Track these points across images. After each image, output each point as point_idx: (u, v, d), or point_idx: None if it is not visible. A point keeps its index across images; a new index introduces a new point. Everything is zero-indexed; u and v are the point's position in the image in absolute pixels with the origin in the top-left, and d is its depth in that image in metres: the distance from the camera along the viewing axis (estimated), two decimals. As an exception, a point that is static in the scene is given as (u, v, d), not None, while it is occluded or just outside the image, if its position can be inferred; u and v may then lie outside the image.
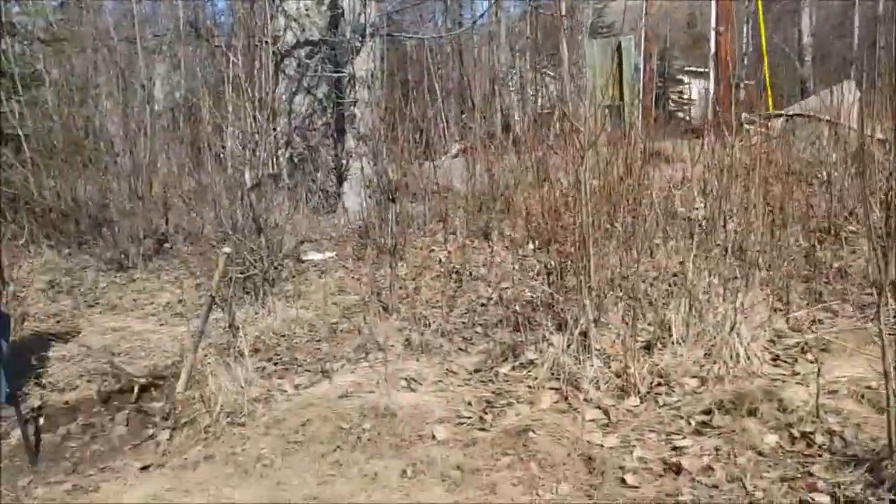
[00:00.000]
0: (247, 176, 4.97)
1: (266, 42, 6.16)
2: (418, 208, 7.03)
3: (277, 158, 10.45)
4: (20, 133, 7.48)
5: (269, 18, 9.53)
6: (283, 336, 4.90)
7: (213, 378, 3.84)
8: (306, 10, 8.98)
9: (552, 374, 3.63)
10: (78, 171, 7.63)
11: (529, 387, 3.63)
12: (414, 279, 5.40)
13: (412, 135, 6.91)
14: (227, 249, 3.89)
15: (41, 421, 4.07)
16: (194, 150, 8.79)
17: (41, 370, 4.70)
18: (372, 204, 7.08)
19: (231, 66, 4.82)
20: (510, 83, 14.55)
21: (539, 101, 12.68)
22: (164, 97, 12.10)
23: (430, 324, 4.57)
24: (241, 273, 5.43)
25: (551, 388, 3.55)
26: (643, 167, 5.04)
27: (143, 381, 4.34)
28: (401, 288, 5.47)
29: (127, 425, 3.91)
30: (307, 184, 9.18)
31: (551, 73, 14.49)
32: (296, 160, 9.47)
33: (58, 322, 5.79)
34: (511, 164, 6.81)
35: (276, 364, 4.41)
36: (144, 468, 3.42)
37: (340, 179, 9.10)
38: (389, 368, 3.85)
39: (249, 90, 4.89)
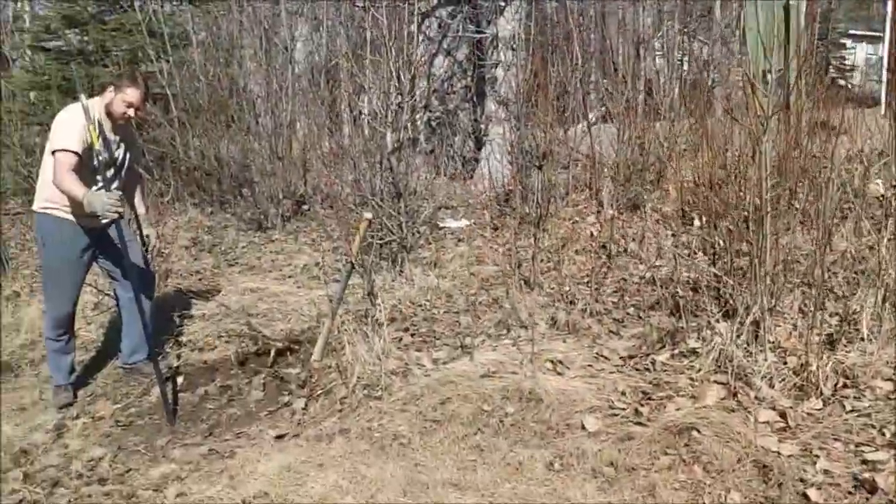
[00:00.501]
0: (388, 139, 4.78)
1: (409, 1, 5.93)
2: (561, 176, 6.68)
3: (415, 122, 10.36)
4: (168, 93, 7.62)
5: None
6: (421, 306, 4.72)
7: (350, 347, 3.69)
8: (449, -32, 8.72)
9: (718, 366, 3.26)
10: (221, 131, 7.73)
11: (692, 379, 3.27)
12: (558, 252, 5.09)
13: (554, 99, 6.56)
14: (368, 215, 3.71)
15: (179, 380, 4.07)
16: (333, 111, 8.77)
17: (181, 328, 4.73)
18: (513, 170, 6.78)
19: (373, 25, 4.62)
20: (656, 47, 13.80)
21: (686, 66, 11.95)
22: (305, 58, 12.18)
23: (576, 302, 4.26)
24: (380, 239, 5.29)
25: (717, 383, 3.18)
26: (821, 139, 4.51)
27: (279, 344, 4.26)
28: (543, 261, 5.19)
29: (263, 390, 3.83)
30: (445, 148, 9.00)
31: (701, 38, 13.64)
32: (433, 124, 9.29)
33: (199, 280, 5.86)
34: (664, 132, 6.34)
35: (413, 335, 4.23)
36: (279, 437, 3.32)
37: (479, 144, 8.85)
38: (534, 348, 3.58)
39: (392, 50, 4.67)
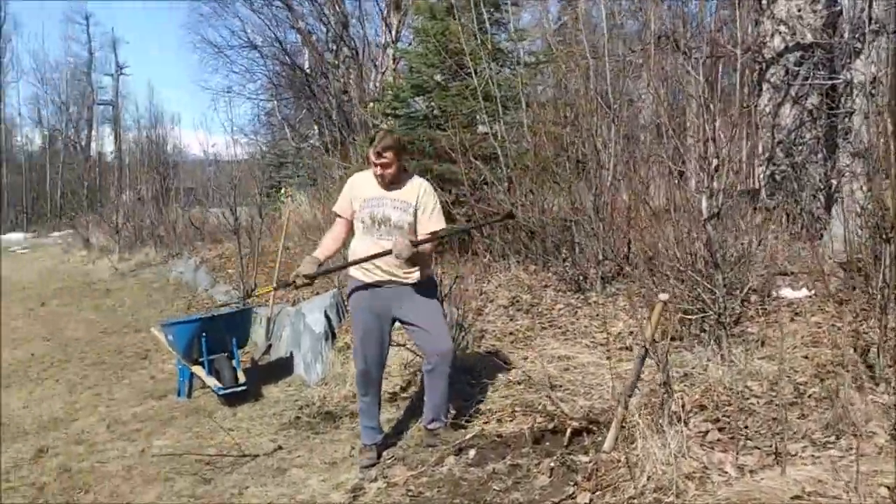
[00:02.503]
0: (703, 205, 4.38)
1: (741, 52, 5.45)
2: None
3: (756, 177, 9.56)
4: (499, 153, 7.88)
5: (755, 24, 8.69)
6: (737, 394, 4.20)
7: (642, 442, 3.37)
8: (798, 10, 7.94)
9: None
10: (549, 189, 7.80)
11: None
12: (914, 340, 4.23)
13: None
14: (663, 296, 3.37)
15: (471, 453, 4.04)
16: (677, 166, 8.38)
17: (484, 396, 4.74)
18: (865, 235, 5.87)
19: (693, 79, 4.28)
20: None
21: None
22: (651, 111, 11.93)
23: (931, 409, 3.48)
24: (695, 313, 4.86)
25: None
26: None
27: (576, 424, 4.05)
28: (894, 347, 4.35)
29: (550, 476, 3.64)
30: (789, 206, 8.15)
31: None
32: (778, 178, 8.49)
33: (511, 342, 5.87)
34: None
35: (721, 430, 3.76)
36: (557, 535, 3.11)
37: (829, 203, 7.87)
38: (863, 468, 2.95)
39: (710, 105, 4.28)
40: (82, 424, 5.94)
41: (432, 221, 4.20)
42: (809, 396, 4.09)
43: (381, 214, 4.13)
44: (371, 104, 10.64)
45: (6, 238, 27.88)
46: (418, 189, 4.20)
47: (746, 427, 3.74)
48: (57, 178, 35.80)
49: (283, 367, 6.69)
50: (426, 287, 4.22)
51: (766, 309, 5.67)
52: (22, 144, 43.01)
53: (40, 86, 44.85)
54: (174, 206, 15.79)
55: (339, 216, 4.31)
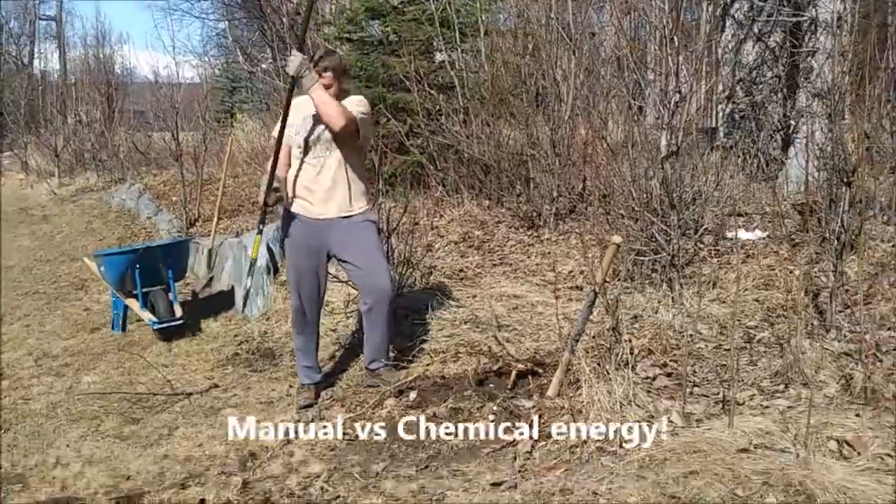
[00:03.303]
0: (662, 143, 4.19)
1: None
2: (882, 187, 5.54)
3: (714, 114, 9.39)
4: (455, 83, 7.58)
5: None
6: (687, 337, 4.09)
7: (587, 388, 3.24)
8: (767, -59, 7.68)
9: None
10: (506, 123, 7.55)
11: None
12: (869, 286, 4.16)
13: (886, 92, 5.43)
14: (616, 239, 3.19)
15: (412, 395, 3.89)
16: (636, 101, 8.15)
17: (429, 334, 4.57)
18: (822, 178, 5.77)
19: (656, 9, 4.04)
20: None
21: None
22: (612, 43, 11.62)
23: (882, 358, 3.39)
24: (647, 253, 4.73)
25: None
26: None
27: (521, 366, 3.92)
28: (846, 292, 4.28)
29: (492, 421, 3.51)
30: (746, 145, 8.03)
31: None
32: (737, 116, 8.34)
33: (461, 279, 5.70)
34: None
35: (668, 375, 3.65)
36: (495, 484, 2.97)
37: (786, 143, 7.76)
38: (813, 420, 2.85)
39: (674, 37, 4.06)
40: (8, 358, 5.65)
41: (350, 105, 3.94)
42: (759, 342, 4.02)
43: (314, 135, 3.88)
44: (324, 27, 10.16)
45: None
46: (354, 105, 3.93)
47: (695, 373, 3.64)
48: (-1, 96, 34.38)
49: (224, 301, 6.43)
50: (362, 222, 4.00)
51: (718, 250, 5.57)
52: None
53: (-23, -3, 42.57)
54: (119, 129, 15.10)
55: (280, 142, 4.02)
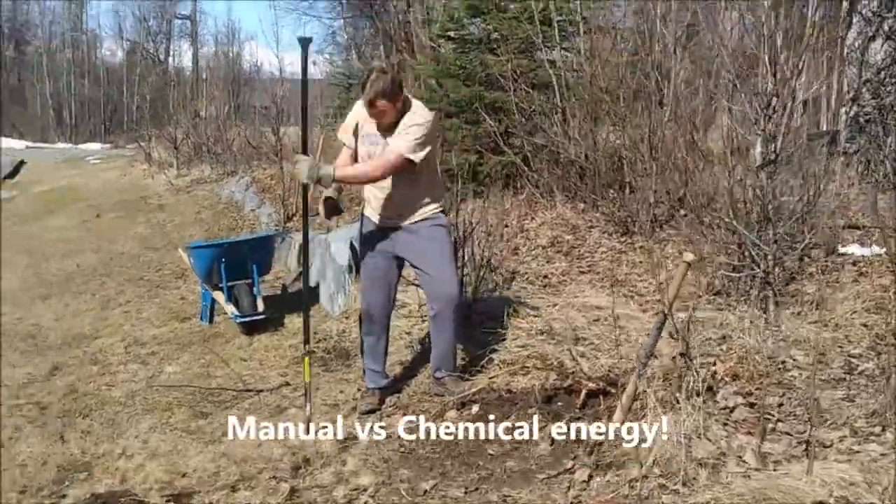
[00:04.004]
0: (756, 150, 3.85)
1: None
2: None
3: (836, 117, 8.74)
4: (554, 82, 7.34)
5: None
6: (779, 364, 3.75)
7: (653, 416, 2.99)
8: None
9: None
10: (604, 124, 7.27)
11: None
12: None
13: None
14: (689, 256, 2.92)
15: (475, 408, 3.72)
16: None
17: (501, 344, 4.39)
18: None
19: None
20: None
21: None
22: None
23: None
24: (742, 269, 4.39)
25: None
26: None
27: (592, 385, 3.68)
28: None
29: (552, 444, 3.30)
30: (871, 151, 7.43)
31: None
32: (862, 120, 7.75)
33: (544, 286, 5.49)
34: None
35: (751, 406, 3.33)
36: (545, 513, 2.78)
37: (916, 149, 7.12)
38: (902, 474, 2.50)
39: (776, 33, 3.71)
40: (102, 343, 5.85)
41: (396, 139, 3.68)
42: (860, 373, 3.63)
43: (378, 146, 3.76)
44: (430, 26, 10.09)
45: (84, 147, 28.52)
46: (404, 131, 3.69)
47: (781, 406, 3.31)
48: (135, 90, 36.30)
49: (310, 297, 6.44)
50: (432, 226, 3.85)
51: (827, 266, 5.13)
52: (103, 56, 43.58)
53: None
54: (237, 123, 15.58)
55: (346, 146, 3.92)
